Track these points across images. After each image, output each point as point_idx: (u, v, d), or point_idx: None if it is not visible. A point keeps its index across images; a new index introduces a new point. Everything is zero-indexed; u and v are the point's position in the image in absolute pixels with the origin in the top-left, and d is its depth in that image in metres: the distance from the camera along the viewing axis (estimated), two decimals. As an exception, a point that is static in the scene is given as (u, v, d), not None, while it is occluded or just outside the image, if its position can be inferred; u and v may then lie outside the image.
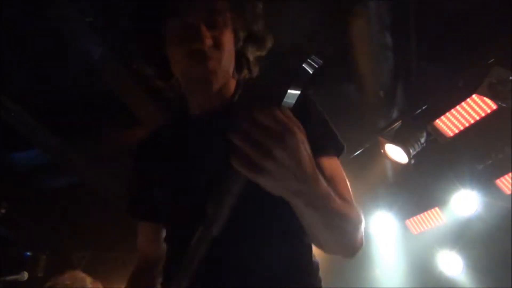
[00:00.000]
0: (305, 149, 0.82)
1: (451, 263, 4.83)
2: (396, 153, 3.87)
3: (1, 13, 3.08)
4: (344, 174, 1.25)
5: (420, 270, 5.01)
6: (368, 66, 3.32)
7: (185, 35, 1.18)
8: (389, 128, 3.91)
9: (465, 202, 4.36)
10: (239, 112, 0.79)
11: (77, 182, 5.19)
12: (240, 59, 1.31)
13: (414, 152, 3.78)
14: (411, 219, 4.89)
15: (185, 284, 1.00)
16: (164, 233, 1.39)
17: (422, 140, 3.78)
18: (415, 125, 3.76)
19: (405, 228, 4.98)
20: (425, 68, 3.49)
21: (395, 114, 3.93)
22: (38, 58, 3.72)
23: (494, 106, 3.31)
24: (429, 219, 4.82)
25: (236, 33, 1.26)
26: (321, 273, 1.26)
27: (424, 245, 5.00)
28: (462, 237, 4.75)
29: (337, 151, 1.28)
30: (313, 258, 1.27)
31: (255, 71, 1.36)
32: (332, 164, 1.21)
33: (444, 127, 3.62)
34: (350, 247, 1.13)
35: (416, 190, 4.65)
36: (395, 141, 3.76)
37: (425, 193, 4.64)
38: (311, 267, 1.25)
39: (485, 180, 4.24)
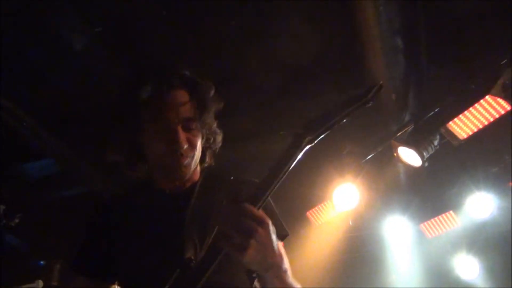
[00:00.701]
0: (274, 234, 1.11)
1: (467, 267, 4.77)
2: (409, 156, 3.82)
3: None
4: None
5: (436, 274, 4.96)
6: (379, 70, 3.29)
7: (165, 137, 1.39)
8: (402, 132, 3.86)
9: (480, 205, 4.30)
10: (227, 204, 1.09)
11: (88, 191, 5.21)
12: (203, 154, 1.56)
13: (428, 155, 3.73)
14: (425, 223, 4.83)
15: None
16: None
17: (435, 142, 3.73)
18: (427, 128, 3.71)
19: (420, 232, 4.93)
20: (437, 70, 3.45)
21: (407, 117, 3.88)
22: (48, 68, 3.74)
23: (508, 107, 3.26)
24: (444, 222, 4.76)
25: (201, 134, 1.50)
26: (337, 280, 1.35)
27: (440, 249, 4.94)
28: (477, 240, 4.69)
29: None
30: None
31: (211, 161, 1.61)
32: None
33: (457, 129, 3.57)
34: None
35: (430, 193, 4.60)
36: (408, 144, 3.72)
37: (439, 197, 4.59)
38: None
39: (500, 183, 4.18)
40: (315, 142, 1.15)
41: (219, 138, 1.60)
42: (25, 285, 3.71)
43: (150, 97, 1.40)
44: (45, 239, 5.68)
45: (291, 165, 1.11)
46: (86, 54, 3.41)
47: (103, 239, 1.50)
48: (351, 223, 4.80)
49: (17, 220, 5.00)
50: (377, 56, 3.11)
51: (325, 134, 1.15)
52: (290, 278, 1.20)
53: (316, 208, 4.74)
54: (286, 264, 1.19)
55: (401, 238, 4.97)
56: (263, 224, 1.06)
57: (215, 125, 1.56)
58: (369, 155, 4.17)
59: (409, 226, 4.91)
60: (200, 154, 1.50)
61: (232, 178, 1.54)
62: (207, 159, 1.59)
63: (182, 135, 1.38)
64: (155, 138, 1.41)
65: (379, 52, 3.08)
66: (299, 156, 1.12)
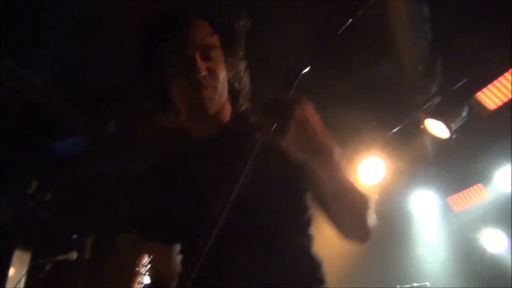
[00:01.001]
0: (317, 118, 1.04)
1: (495, 240, 4.72)
2: (436, 128, 3.78)
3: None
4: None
5: (463, 248, 4.92)
6: (405, 40, 3.24)
7: (183, 66, 1.31)
8: (429, 103, 3.81)
9: (509, 178, 4.23)
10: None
11: (116, 167, 5.32)
12: (233, 92, 1.46)
13: (455, 127, 3.68)
14: (453, 196, 4.79)
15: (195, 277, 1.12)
16: (175, 250, 1.51)
17: (464, 114, 3.67)
18: (456, 99, 3.65)
19: (447, 206, 4.89)
20: (466, 39, 3.37)
21: (434, 88, 3.82)
22: (74, 44, 3.80)
23: (540, 76, 3.18)
24: (472, 195, 4.71)
25: (228, 68, 1.41)
26: (362, 255, 1.32)
27: (467, 223, 4.90)
28: (506, 213, 4.62)
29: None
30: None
31: (245, 103, 1.51)
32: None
33: (486, 100, 3.50)
34: (361, 227, 1.22)
35: (458, 166, 4.55)
36: (436, 115, 3.67)
37: (467, 169, 4.53)
38: (315, 260, 1.33)
39: (530, 155, 4.11)
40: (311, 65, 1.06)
41: (247, 79, 1.50)
42: (60, 256, 3.85)
43: (168, 31, 1.34)
44: (76, 214, 5.85)
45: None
46: (112, 28, 3.44)
47: (154, 202, 1.47)
48: (376, 197, 4.79)
49: (49, 196, 5.19)
50: (403, 25, 3.06)
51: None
52: (344, 174, 1.13)
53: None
54: (337, 153, 1.09)
55: (428, 211, 4.95)
56: (299, 103, 1.01)
57: (243, 64, 1.47)
58: (396, 127, 4.14)
59: (436, 200, 4.88)
60: (225, 89, 1.40)
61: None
62: (241, 102, 1.49)
63: (200, 63, 1.30)
64: (175, 72, 1.34)
65: (405, 22, 3.03)
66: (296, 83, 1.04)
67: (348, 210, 1.18)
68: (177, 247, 1.52)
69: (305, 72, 1.04)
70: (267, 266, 1.23)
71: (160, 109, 1.46)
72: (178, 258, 1.52)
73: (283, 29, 3.13)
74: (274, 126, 0.98)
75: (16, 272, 4.82)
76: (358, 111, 3.77)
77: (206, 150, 1.40)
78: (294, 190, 1.32)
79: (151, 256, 1.59)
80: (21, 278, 4.39)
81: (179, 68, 1.32)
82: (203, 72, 1.30)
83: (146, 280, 3.45)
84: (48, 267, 3.77)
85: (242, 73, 1.47)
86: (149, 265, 3.41)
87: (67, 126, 4.47)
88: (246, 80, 1.49)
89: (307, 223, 1.35)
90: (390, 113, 4.10)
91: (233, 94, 1.46)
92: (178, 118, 1.45)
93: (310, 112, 1.03)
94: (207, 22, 1.36)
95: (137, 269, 3.34)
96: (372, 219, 1.21)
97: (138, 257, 3.34)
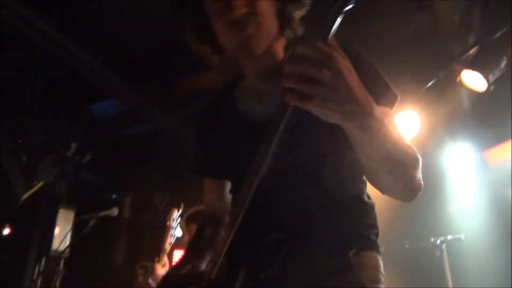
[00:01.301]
0: (352, 73, 0.88)
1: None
2: (473, 80, 3.69)
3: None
4: (398, 126, 1.23)
5: (499, 203, 4.86)
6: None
7: (220, 8, 1.24)
8: (466, 55, 3.71)
9: (549, 130, 4.13)
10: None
11: (154, 128, 5.43)
12: (282, 19, 1.34)
13: (493, 79, 3.58)
14: (489, 150, 4.71)
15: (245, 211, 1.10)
16: (227, 189, 1.53)
17: (502, 65, 3.56)
18: (494, 49, 3.54)
19: (483, 160, 4.82)
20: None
21: (471, 39, 3.70)
22: (108, 8, 3.83)
23: None
24: (509, 149, 4.62)
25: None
26: (396, 211, 1.28)
27: (503, 178, 4.82)
28: (545, 167, 4.53)
29: (390, 102, 1.28)
30: (368, 199, 1.33)
31: (299, 30, 1.37)
32: (384, 114, 1.15)
33: (527, 49, 3.39)
34: (409, 186, 1.12)
35: (495, 119, 4.44)
36: (473, 67, 3.58)
37: (505, 122, 4.42)
38: (368, 205, 1.30)
39: None
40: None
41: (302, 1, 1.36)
42: (102, 212, 4.01)
43: None
44: (115, 174, 6.04)
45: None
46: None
47: (211, 141, 1.50)
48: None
49: (88, 157, 5.37)
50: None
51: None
52: (390, 132, 0.99)
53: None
54: (377, 110, 0.94)
55: (464, 166, 4.89)
56: (330, 62, 0.84)
57: None
58: (431, 80, 4.05)
59: (473, 154, 4.80)
60: (273, 22, 1.30)
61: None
62: (292, 28, 1.36)
63: (236, 2, 1.22)
64: (217, 16, 1.27)
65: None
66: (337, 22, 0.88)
67: (393, 173, 1.07)
68: (229, 184, 1.54)
69: (348, 9, 0.88)
70: (319, 209, 1.23)
71: (213, 51, 1.41)
72: (229, 195, 1.56)
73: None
74: (301, 88, 0.85)
75: (61, 230, 5.04)
76: (392, 64, 3.71)
77: (261, 88, 1.35)
78: (338, 135, 1.28)
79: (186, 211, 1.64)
80: (67, 234, 4.62)
81: (216, 9, 1.26)
82: (240, 11, 1.22)
83: (178, 232, 3.57)
84: (91, 223, 3.94)
85: None
86: (179, 219, 3.52)
87: (103, 87, 4.56)
88: (300, 3, 1.35)
89: (359, 171, 1.31)
90: (426, 66, 4.01)
91: (284, 22, 1.34)
92: (229, 57, 1.41)
93: (348, 67, 0.88)
94: None
95: (168, 223, 3.47)
96: (419, 176, 1.12)
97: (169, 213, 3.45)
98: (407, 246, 4.59)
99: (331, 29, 0.88)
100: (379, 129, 0.96)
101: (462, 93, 4.17)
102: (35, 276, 4.74)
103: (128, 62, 4.48)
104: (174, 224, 3.53)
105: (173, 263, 3.41)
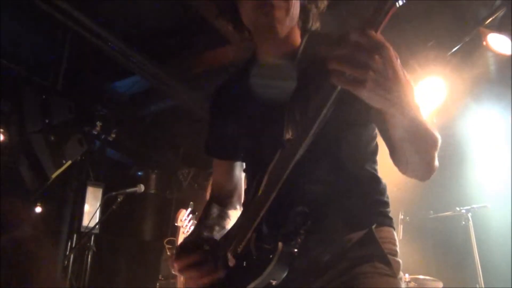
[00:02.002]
0: (398, 61, 0.93)
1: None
2: (500, 43, 3.59)
3: None
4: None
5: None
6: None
7: None
8: (492, 18, 3.59)
9: None
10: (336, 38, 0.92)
11: (174, 104, 5.46)
12: (305, 13, 1.41)
13: (522, 41, 3.47)
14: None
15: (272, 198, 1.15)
16: (236, 169, 1.59)
17: (531, 26, 3.45)
18: (522, 10, 3.42)
19: (510, 126, 4.70)
20: None
21: (498, 1, 3.58)
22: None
23: None
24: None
25: None
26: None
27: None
28: None
29: None
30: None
31: (316, 24, 1.45)
32: None
33: (557, 9, 3.26)
34: (429, 166, 1.20)
35: (523, 83, 4.32)
36: (500, 30, 3.47)
37: (533, 87, 4.30)
38: (381, 184, 1.36)
39: None
40: None
41: None
42: (129, 189, 4.10)
43: None
44: (140, 151, 6.12)
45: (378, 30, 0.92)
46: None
47: (222, 121, 1.55)
48: (435, 121, 4.68)
49: (113, 135, 5.45)
50: None
51: None
52: (422, 117, 1.07)
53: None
54: (415, 99, 1.02)
55: (491, 132, 4.79)
56: (381, 50, 0.89)
57: None
58: (456, 46, 3.95)
59: (501, 119, 4.69)
60: (297, 10, 1.36)
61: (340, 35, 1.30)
62: (311, 20, 1.43)
63: None
64: None
65: None
66: (388, 17, 0.92)
67: (419, 153, 1.15)
68: (240, 164, 1.60)
69: (403, 4, 0.92)
70: (342, 185, 1.28)
71: (234, 29, 1.46)
72: (241, 175, 1.61)
73: None
74: (353, 74, 0.89)
75: (90, 207, 5.17)
76: (416, 30, 3.63)
77: (277, 73, 1.40)
78: (361, 117, 1.32)
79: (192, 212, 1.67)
80: (96, 211, 4.74)
81: None
82: None
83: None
84: (119, 199, 4.03)
85: None
86: (190, 218, 3.55)
87: (126, 66, 4.59)
88: None
89: (373, 150, 1.39)
90: (450, 31, 3.90)
91: (304, 13, 1.41)
92: (249, 38, 1.46)
93: (396, 56, 0.93)
94: None
95: (176, 224, 3.51)
96: (436, 159, 1.19)
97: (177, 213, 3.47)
98: (432, 215, 4.56)
99: (384, 21, 0.92)
100: (416, 114, 1.03)
101: (489, 57, 4.06)
102: (67, 252, 4.90)
103: (150, 39, 4.49)
104: (185, 223, 3.59)
105: None
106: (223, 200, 1.59)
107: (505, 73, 4.20)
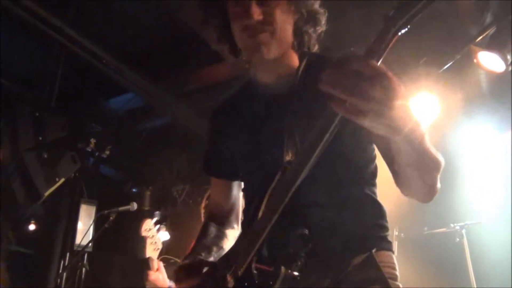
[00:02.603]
0: (402, 91, 0.89)
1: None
2: (491, 61, 3.61)
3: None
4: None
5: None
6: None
7: (239, 12, 1.33)
8: (483, 35, 3.63)
9: None
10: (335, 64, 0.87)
11: (169, 121, 5.47)
12: (299, 35, 1.43)
13: (512, 59, 3.50)
14: (509, 131, 4.62)
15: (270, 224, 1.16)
16: (234, 189, 1.61)
17: (521, 44, 3.48)
18: (511, 29, 3.45)
19: (504, 142, 4.73)
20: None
21: (488, 19, 3.62)
22: (122, 5, 3.86)
23: None
24: (530, 130, 4.53)
25: (293, 10, 1.37)
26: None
27: (526, 159, 4.73)
28: None
29: None
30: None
31: (314, 47, 1.47)
32: None
33: (546, 27, 3.30)
34: (432, 189, 1.20)
35: (515, 100, 4.35)
36: (490, 47, 3.50)
37: (526, 102, 4.33)
38: (381, 208, 1.38)
39: None
40: (411, 23, 0.91)
41: (322, 18, 1.43)
42: (121, 207, 4.07)
43: None
44: (135, 168, 6.10)
45: (379, 59, 0.91)
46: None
47: (221, 140, 1.56)
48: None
49: (108, 152, 5.44)
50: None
51: (422, 12, 0.89)
52: (427, 143, 1.05)
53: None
54: (420, 126, 1.00)
55: (483, 148, 4.81)
56: (383, 80, 0.85)
57: (313, 2, 1.41)
58: (447, 63, 3.98)
59: (493, 136, 4.72)
60: (287, 33, 1.38)
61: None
62: (306, 42, 1.45)
63: (255, 7, 1.29)
64: (233, 16, 1.37)
65: None
66: (390, 46, 0.91)
67: (423, 178, 1.15)
68: (238, 184, 1.62)
69: (403, 33, 0.91)
70: (334, 212, 1.29)
71: (230, 52, 1.50)
72: (239, 194, 1.62)
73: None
74: (356, 102, 0.85)
75: (84, 225, 5.13)
76: (408, 47, 3.65)
77: (275, 95, 1.42)
78: (362, 140, 1.35)
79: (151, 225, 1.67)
80: (88, 229, 4.70)
81: (235, 12, 1.35)
82: (257, 17, 1.30)
83: (164, 237, 3.50)
84: (111, 218, 4.00)
85: (310, 13, 1.41)
86: (158, 227, 3.50)
87: (120, 82, 4.60)
88: (315, 21, 1.43)
89: (373, 173, 1.41)
90: (441, 48, 3.94)
91: (298, 36, 1.43)
92: (245, 60, 1.49)
93: (399, 84, 0.89)
94: None
95: (142, 235, 3.47)
96: (439, 181, 1.19)
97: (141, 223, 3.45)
98: (426, 231, 4.55)
99: (387, 50, 0.90)
100: (421, 142, 1.02)
101: (480, 74, 4.10)
102: (60, 270, 4.84)
103: (144, 56, 4.51)
104: (151, 233, 3.54)
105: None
106: (221, 219, 1.60)
107: (497, 90, 4.24)
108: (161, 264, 3.17)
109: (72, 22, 3.91)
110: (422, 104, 4.07)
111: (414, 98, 4.05)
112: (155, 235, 3.42)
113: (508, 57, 3.52)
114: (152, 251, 3.21)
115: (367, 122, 0.89)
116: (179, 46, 4.32)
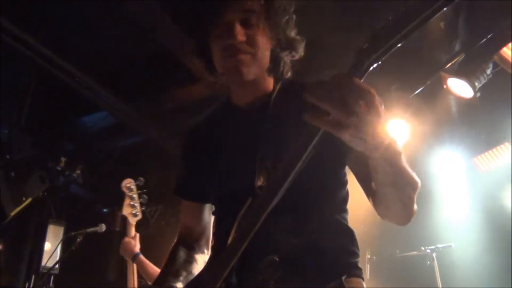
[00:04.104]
0: (382, 107, 0.92)
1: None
2: (460, 87, 3.70)
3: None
4: None
5: (490, 209, 4.87)
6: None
7: (222, 31, 1.33)
8: (452, 62, 3.74)
9: (538, 135, 4.15)
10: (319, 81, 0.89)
11: (143, 140, 5.41)
12: (275, 61, 1.44)
13: (480, 85, 3.59)
14: (479, 156, 4.73)
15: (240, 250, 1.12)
16: (205, 212, 1.59)
17: (488, 71, 3.58)
18: (479, 56, 3.55)
19: (473, 167, 4.83)
20: (489, -7, 3.27)
21: (457, 46, 3.73)
22: (96, 24, 3.83)
23: None
24: (499, 155, 4.64)
25: (271, 36, 1.40)
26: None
27: (494, 183, 4.84)
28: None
29: None
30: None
31: (288, 73, 1.48)
32: None
33: (512, 56, 3.41)
34: (409, 210, 1.20)
35: (484, 125, 4.47)
36: (459, 74, 3.59)
37: (493, 128, 4.45)
38: (351, 234, 1.38)
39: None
40: (383, 58, 0.92)
41: (299, 46, 1.45)
42: (90, 228, 3.98)
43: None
44: (106, 188, 5.98)
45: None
46: (134, 3, 3.45)
47: (194, 163, 1.54)
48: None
49: (78, 171, 5.33)
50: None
51: (397, 46, 0.90)
52: (404, 162, 1.06)
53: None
54: (397, 144, 1.02)
55: (453, 173, 4.90)
56: (366, 95, 0.88)
57: (291, 29, 1.43)
58: (418, 89, 4.07)
59: (462, 160, 4.82)
60: (266, 58, 1.40)
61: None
62: (282, 68, 1.45)
63: (239, 28, 1.31)
64: (215, 35, 1.37)
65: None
66: (363, 78, 0.92)
67: (400, 198, 1.16)
68: (209, 207, 1.59)
69: (375, 67, 0.93)
70: (305, 238, 1.28)
71: (207, 71, 1.48)
72: (210, 218, 1.60)
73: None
74: (335, 117, 0.87)
75: (51, 245, 5.00)
76: (380, 73, 3.72)
77: (250, 118, 1.43)
78: (334, 165, 1.35)
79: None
80: (55, 250, 4.57)
81: (219, 32, 1.35)
82: (241, 38, 1.31)
83: (144, 200, 3.44)
84: (78, 239, 3.90)
85: (288, 41, 1.43)
86: (135, 186, 3.44)
87: (93, 101, 4.54)
88: (292, 48, 1.45)
89: (345, 198, 1.40)
90: (412, 75, 4.03)
91: (275, 62, 1.44)
92: (221, 81, 1.48)
93: (380, 102, 0.92)
94: None
95: (122, 190, 3.39)
96: (415, 203, 1.19)
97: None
98: (398, 254, 4.58)
99: (366, 72, 0.92)
100: (398, 160, 1.03)
101: (450, 100, 4.20)
102: (25, 293, 4.69)
103: (118, 74, 4.47)
104: (131, 193, 3.44)
105: None
106: (191, 244, 1.57)
107: (466, 116, 4.35)
108: (137, 235, 3.16)
109: (46, 39, 3.85)
110: (393, 128, 4.13)
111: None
112: (135, 198, 3.34)
113: (476, 84, 3.61)
114: (129, 214, 3.19)
115: (347, 136, 0.90)
116: (154, 65, 4.30)
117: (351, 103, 0.86)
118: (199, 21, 1.40)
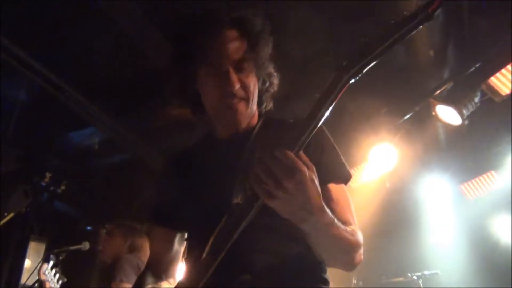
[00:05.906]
0: (313, 185, 1.02)
1: (509, 228, 4.68)
2: (448, 114, 3.75)
3: None
4: (350, 199, 1.41)
5: (477, 235, 4.89)
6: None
7: (218, 79, 1.36)
8: (441, 89, 3.78)
9: (523, 164, 4.19)
10: (263, 148, 1.02)
11: (130, 157, 5.36)
12: (261, 99, 1.51)
13: (468, 113, 3.64)
14: (466, 183, 4.76)
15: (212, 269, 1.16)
16: (176, 241, 1.57)
17: (476, 99, 3.63)
18: (468, 84, 3.61)
19: (460, 193, 4.85)
20: (478, 22, 3.32)
21: (446, 74, 3.78)
22: (86, 39, 3.82)
23: (554, 60, 3.13)
24: (485, 182, 4.67)
25: (257, 76, 1.45)
26: (374, 244, 1.35)
27: (480, 210, 4.86)
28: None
29: (345, 179, 1.44)
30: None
31: (270, 105, 1.55)
32: (339, 190, 1.38)
33: (500, 85, 3.46)
34: (348, 264, 1.29)
35: (471, 153, 4.51)
36: (447, 102, 3.64)
37: (480, 156, 4.49)
38: (320, 264, 1.38)
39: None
40: (361, 74, 1.01)
41: (275, 80, 1.52)
42: (73, 246, 3.90)
43: (199, 39, 1.38)
44: (91, 204, 5.90)
45: (332, 103, 1.01)
46: (124, 19, 3.46)
47: (170, 191, 1.54)
48: (388, 185, 4.77)
49: (63, 187, 5.25)
50: (412, 7, 3.02)
51: (373, 63, 0.99)
52: (339, 228, 1.15)
53: (351, 170, 4.71)
54: (328, 216, 1.10)
55: (440, 199, 4.92)
56: (296, 173, 0.98)
57: (270, 66, 1.49)
58: (407, 114, 4.11)
59: (449, 187, 4.84)
60: (256, 97, 1.45)
61: (292, 121, 1.45)
62: (265, 103, 1.53)
63: (234, 76, 1.35)
64: (208, 82, 1.39)
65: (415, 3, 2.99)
66: (341, 93, 1.01)
67: (336, 258, 1.25)
68: (180, 236, 1.57)
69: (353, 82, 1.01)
70: (277, 258, 1.29)
71: (191, 110, 1.51)
72: (180, 248, 1.58)
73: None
74: (269, 185, 0.99)
75: (32, 263, 4.89)
76: (369, 98, 3.75)
77: (230, 150, 1.45)
78: None
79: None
80: (35, 268, 4.46)
81: (212, 79, 1.37)
82: (237, 85, 1.35)
83: (58, 280, 3.55)
84: (61, 257, 3.82)
85: (268, 76, 1.49)
86: (55, 271, 3.51)
87: (81, 116, 4.50)
88: (271, 81, 1.50)
89: None
90: (402, 100, 4.07)
91: (260, 99, 1.49)
92: (206, 116, 1.49)
93: (311, 179, 1.02)
94: (235, 29, 1.39)
95: (39, 277, 3.44)
96: (359, 257, 1.26)
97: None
98: (384, 280, 4.55)
99: (337, 98, 1.01)
100: (327, 229, 1.11)
101: (438, 127, 4.23)
102: (1, 312, 4.56)
103: (108, 91, 4.45)
104: (48, 277, 3.52)
105: None
106: (159, 272, 1.55)
107: (454, 143, 4.38)
108: None
109: (35, 52, 3.83)
110: (381, 153, 4.15)
111: (374, 147, 4.14)
112: (53, 279, 3.43)
113: (464, 111, 3.66)
114: None
115: (274, 205, 1.01)
116: (144, 82, 4.29)
117: (282, 178, 0.98)
118: (190, 63, 1.41)
